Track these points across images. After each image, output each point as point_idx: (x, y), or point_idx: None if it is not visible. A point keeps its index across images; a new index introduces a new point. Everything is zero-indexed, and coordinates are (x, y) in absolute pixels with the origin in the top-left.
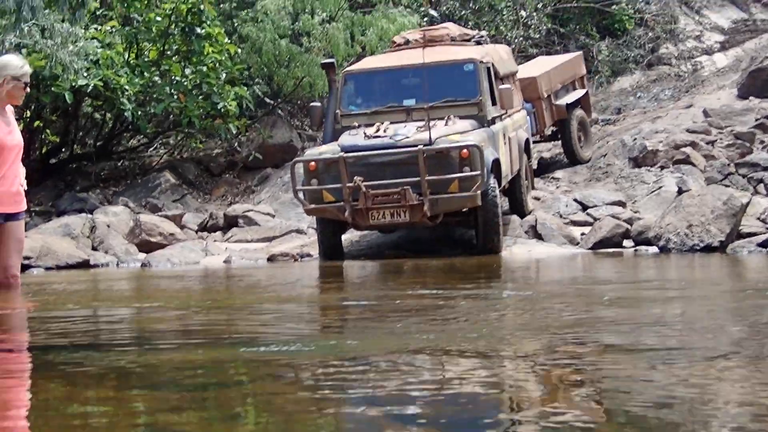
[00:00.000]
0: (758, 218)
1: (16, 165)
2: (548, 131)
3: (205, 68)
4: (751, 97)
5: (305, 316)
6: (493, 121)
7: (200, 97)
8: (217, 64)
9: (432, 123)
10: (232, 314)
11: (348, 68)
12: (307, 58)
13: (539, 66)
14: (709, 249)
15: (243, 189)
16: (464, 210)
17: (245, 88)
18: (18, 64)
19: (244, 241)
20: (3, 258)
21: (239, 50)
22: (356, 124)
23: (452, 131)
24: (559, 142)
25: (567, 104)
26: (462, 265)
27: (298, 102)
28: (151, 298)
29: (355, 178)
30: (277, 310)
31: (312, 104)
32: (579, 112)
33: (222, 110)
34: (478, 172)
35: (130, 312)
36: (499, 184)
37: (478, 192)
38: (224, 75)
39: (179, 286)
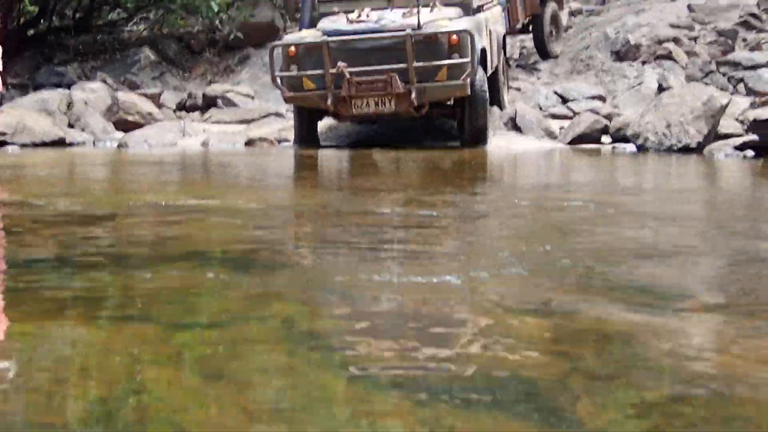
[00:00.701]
0: (736, 119)
1: None
2: (519, 26)
3: None
4: None
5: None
6: (478, 9)
7: None
8: None
9: (412, 9)
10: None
11: None
12: None
13: None
14: (686, 149)
15: (223, 68)
16: (449, 100)
17: None
18: None
19: (222, 122)
20: None
21: None
22: (335, 9)
23: (440, 17)
24: (529, 35)
25: None
26: (448, 160)
27: None
28: (122, 193)
29: (338, 63)
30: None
31: None
32: (552, 6)
33: None
34: (468, 60)
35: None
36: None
37: (468, 80)
38: None
39: (152, 177)
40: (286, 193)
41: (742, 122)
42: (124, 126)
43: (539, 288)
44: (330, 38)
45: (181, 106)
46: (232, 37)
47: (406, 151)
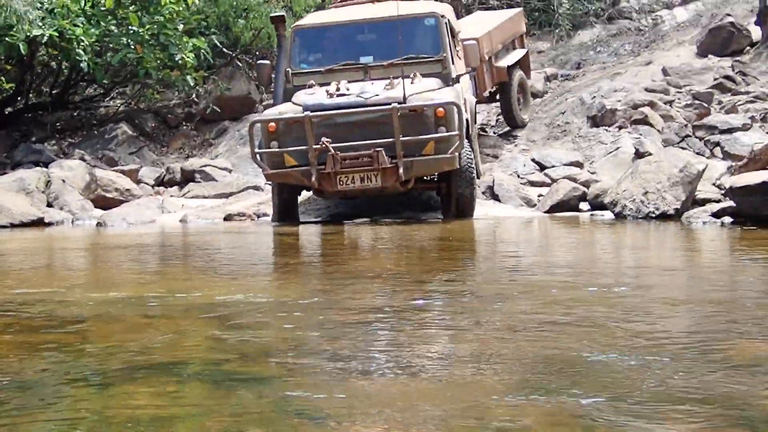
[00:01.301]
0: (713, 183)
1: None
2: (486, 94)
3: (162, 18)
4: (710, 55)
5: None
6: (457, 80)
7: (157, 48)
8: (175, 15)
9: (396, 81)
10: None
11: (297, 23)
12: (265, 9)
13: (479, 25)
14: (664, 216)
15: (200, 142)
16: (432, 175)
17: (203, 39)
18: None
19: (200, 197)
20: None
21: (197, 1)
22: (311, 82)
23: (422, 89)
24: (495, 104)
25: (508, 66)
26: (436, 235)
27: (257, 53)
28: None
29: (322, 139)
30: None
31: (259, 62)
32: (519, 74)
33: (180, 62)
34: (456, 133)
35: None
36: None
37: (456, 154)
38: (182, 26)
39: (125, 264)
40: (267, 283)
41: (719, 187)
42: (103, 203)
43: None
44: (312, 113)
45: (160, 182)
46: (208, 111)
47: (389, 226)
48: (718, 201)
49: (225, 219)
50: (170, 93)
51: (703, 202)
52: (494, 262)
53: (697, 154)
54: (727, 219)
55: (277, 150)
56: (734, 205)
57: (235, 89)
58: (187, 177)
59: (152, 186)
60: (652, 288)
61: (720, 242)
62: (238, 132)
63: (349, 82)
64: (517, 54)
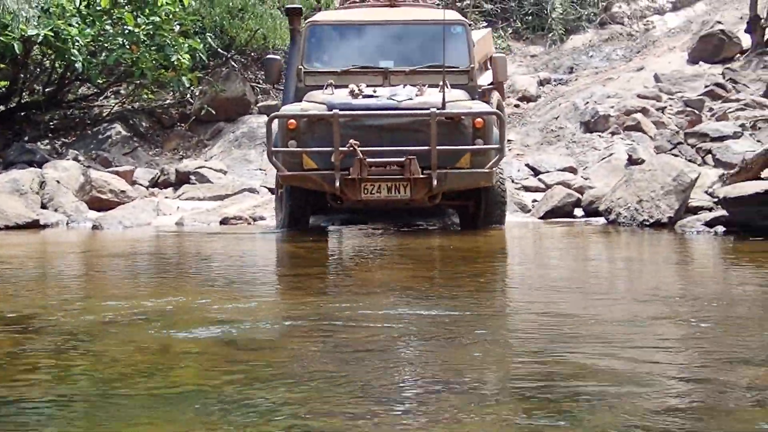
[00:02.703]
0: (706, 191)
1: None
2: None
3: (158, 19)
4: (701, 62)
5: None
6: (483, 94)
7: (153, 48)
8: (171, 16)
9: (422, 87)
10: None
11: (313, 18)
12: (261, 10)
13: None
14: (658, 224)
15: (195, 143)
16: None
17: (198, 41)
18: None
19: (195, 198)
20: None
21: (193, 1)
22: (330, 82)
23: (454, 98)
24: None
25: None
26: (457, 246)
27: (252, 54)
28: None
29: (350, 141)
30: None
31: (268, 56)
32: (496, 96)
33: (175, 63)
34: (497, 146)
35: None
36: None
37: (494, 169)
38: (178, 27)
39: (121, 273)
40: (275, 297)
41: (711, 195)
42: (98, 204)
43: None
44: (341, 112)
45: (154, 183)
46: (203, 112)
47: (408, 235)
48: (711, 209)
49: (221, 222)
50: (164, 93)
51: (696, 210)
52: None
53: (689, 161)
54: (720, 228)
55: (297, 150)
56: (727, 214)
57: (230, 90)
58: (182, 178)
59: (147, 187)
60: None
61: (720, 253)
62: (232, 133)
63: (367, 86)
64: (487, 76)
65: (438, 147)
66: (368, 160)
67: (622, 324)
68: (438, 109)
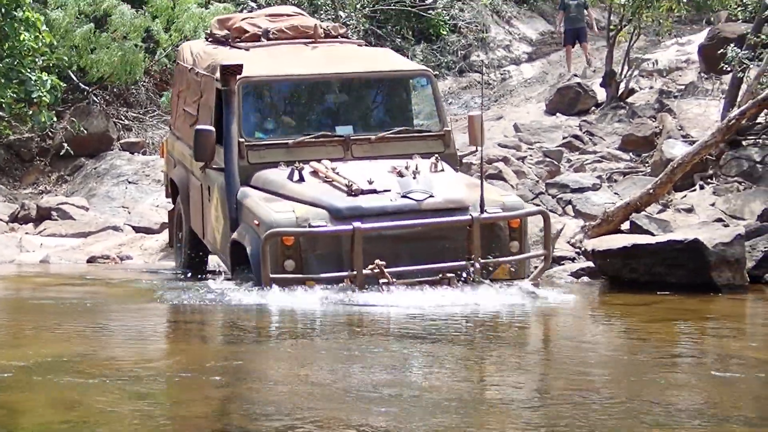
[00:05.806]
0: (568, 242)
1: None
2: None
3: (19, 54)
4: (558, 114)
5: None
6: (460, 161)
7: (14, 82)
8: (33, 51)
9: (406, 166)
10: None
11: (245, 75)
12: (116, 45)
13: None
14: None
15: (55, 178)
16: None
17: (57, 79)
18: None
19: (58, 235)
20: None
21: (54, 40)
22: (280, 161)
23: (456, 183)
24: None
25: None
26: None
27: (114, 90)
28: None
29: (376, 262)
30: None
31: (198, 127)
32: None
33: (35, 99)
34: (544, 251)
35: None
36: None
37: (539, 280)
38: (40, 62)
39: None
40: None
41: (573, 245)
42: None
43: None
44: (362, 225)
45: (14, 218)
46: (62, 152)
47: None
48: (573, 259)
49: (88, 261)
50: (23, 127)
51: (559, 259)
52: None
53: (551, 211)
54: (585, 278)
55: (300, 276)
56: (593, 265)
57: (93, 126)
58: (43, 214)
59: (7, 222)
60: None
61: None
62: (95, 169)
63: (332, 161)
64: None
65: (481, 260)
66: (397, 281)
67: None
68: (478, 212)
